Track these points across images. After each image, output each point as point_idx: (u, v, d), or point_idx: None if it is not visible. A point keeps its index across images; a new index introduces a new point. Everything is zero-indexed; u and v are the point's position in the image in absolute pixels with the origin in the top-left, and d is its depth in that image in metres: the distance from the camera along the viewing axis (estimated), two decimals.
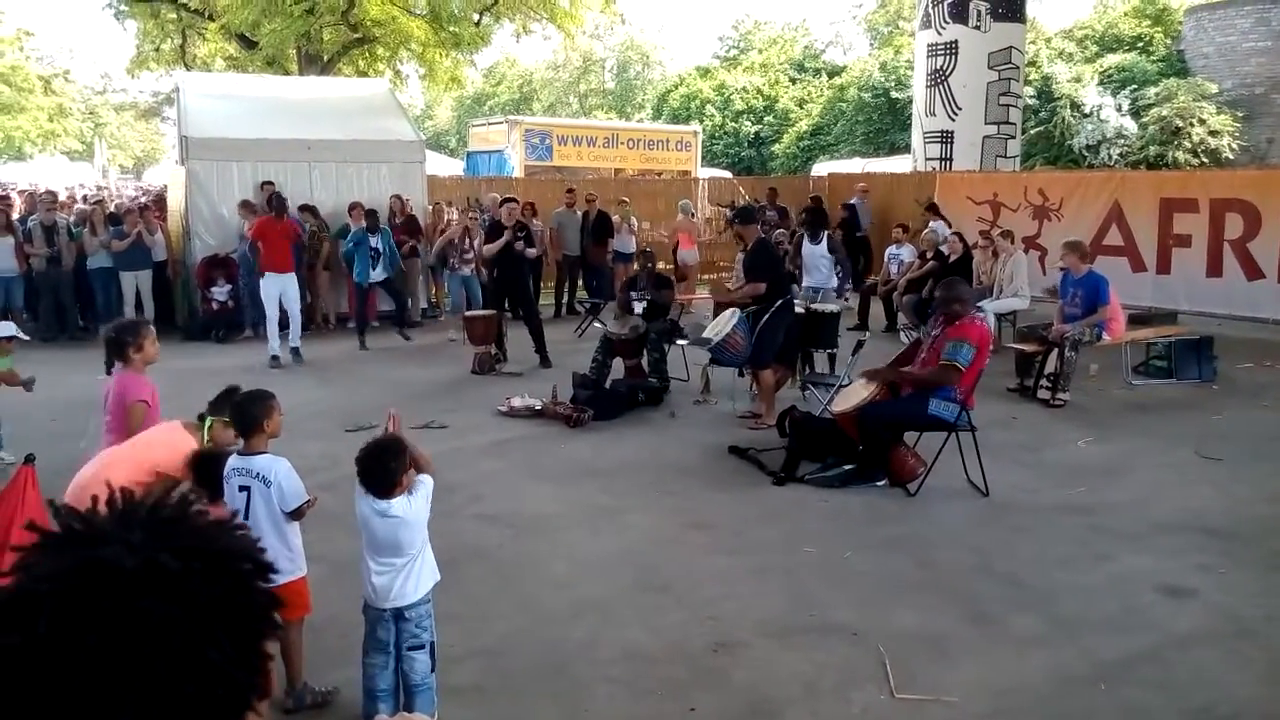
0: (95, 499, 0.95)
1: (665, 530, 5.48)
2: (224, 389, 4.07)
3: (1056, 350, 8.22)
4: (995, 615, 4.36)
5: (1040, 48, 27.92)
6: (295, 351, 10.20)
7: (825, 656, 4.01)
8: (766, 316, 7.41)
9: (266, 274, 10.16)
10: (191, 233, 11.98)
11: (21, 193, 16.88)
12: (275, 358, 10.01)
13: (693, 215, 14.82)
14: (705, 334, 7.78)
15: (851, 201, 14.82)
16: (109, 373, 4.26)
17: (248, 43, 21.56)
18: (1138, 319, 9.44)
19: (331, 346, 11.17)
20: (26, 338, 6.50)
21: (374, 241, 11.17)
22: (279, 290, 10.13)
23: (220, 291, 11.66)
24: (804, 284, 10.05)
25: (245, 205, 11.60)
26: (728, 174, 24.33)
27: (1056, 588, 4.64)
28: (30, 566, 0.87)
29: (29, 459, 3.57)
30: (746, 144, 35.73)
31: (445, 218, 12.97)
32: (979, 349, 5.92)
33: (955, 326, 5.99)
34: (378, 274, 11.24)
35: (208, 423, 3.98)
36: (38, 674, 0.82)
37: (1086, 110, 25.09)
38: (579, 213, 13.70)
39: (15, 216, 12.18)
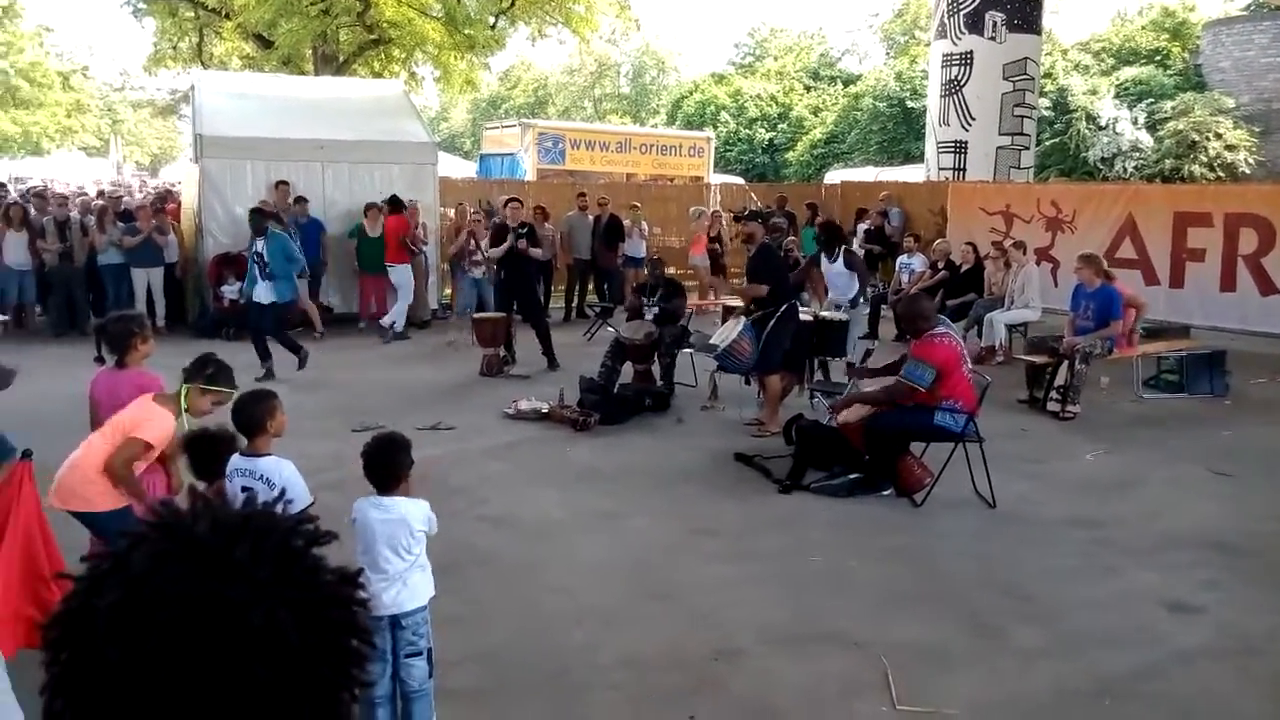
0: (222, 493, 0.92)
1: (669, 536, 5.46)
2: (198, 357, 4.05)
3: (1067, 362, 8.18)
4: (999, 627, 4.33)
5: (1056, 59, 27.84)
6: (399, 332, 11.66)
7: (827, 666, 3.98)
8: (772, 323, 7.39)
9: (391, 265, 11.79)
10: (204, 230, 12.03)
11: (33, 189, 16.99)
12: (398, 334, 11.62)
13: (711, 215, 14.81)
14: (712, 340, 7.76)
15: (883, 209, 14.79)
16: (102, 363, 4.21)
17: (264, 42, 21.67)
18: (1150, 332, 9.38)
19: (340, 345, 11.19)
20: (6, 317, 6.47)
21: (259, 246, 9.26)
22: (397, 280, 11.77)
23: (231, 289, 11.67)
24: (829, 297, 10.01)
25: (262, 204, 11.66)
26: (740, 180, 24.31)
27: (1062, 601, 4.60)
28: (148, 577, 0.82)
29: (25, 454, 3.56)
30: (760, 151, 35.72)
31: (469, 217, 12.97)
32: (941, 371, 5.81)
33: (919, 344, 5.95)
34: (263, 292, 9.19)
35: (184, 390, 3.95)
36: (126, 689, 0.80)
37: (1102, 123, 24.99)
38: (590, 217, 13.70)
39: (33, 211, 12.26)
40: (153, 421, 3.82)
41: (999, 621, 4.39)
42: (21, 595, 3.17)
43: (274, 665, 0.81)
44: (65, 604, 0.86)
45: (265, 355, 9.07)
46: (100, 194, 15.90)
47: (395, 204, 12.01)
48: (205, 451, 3.61)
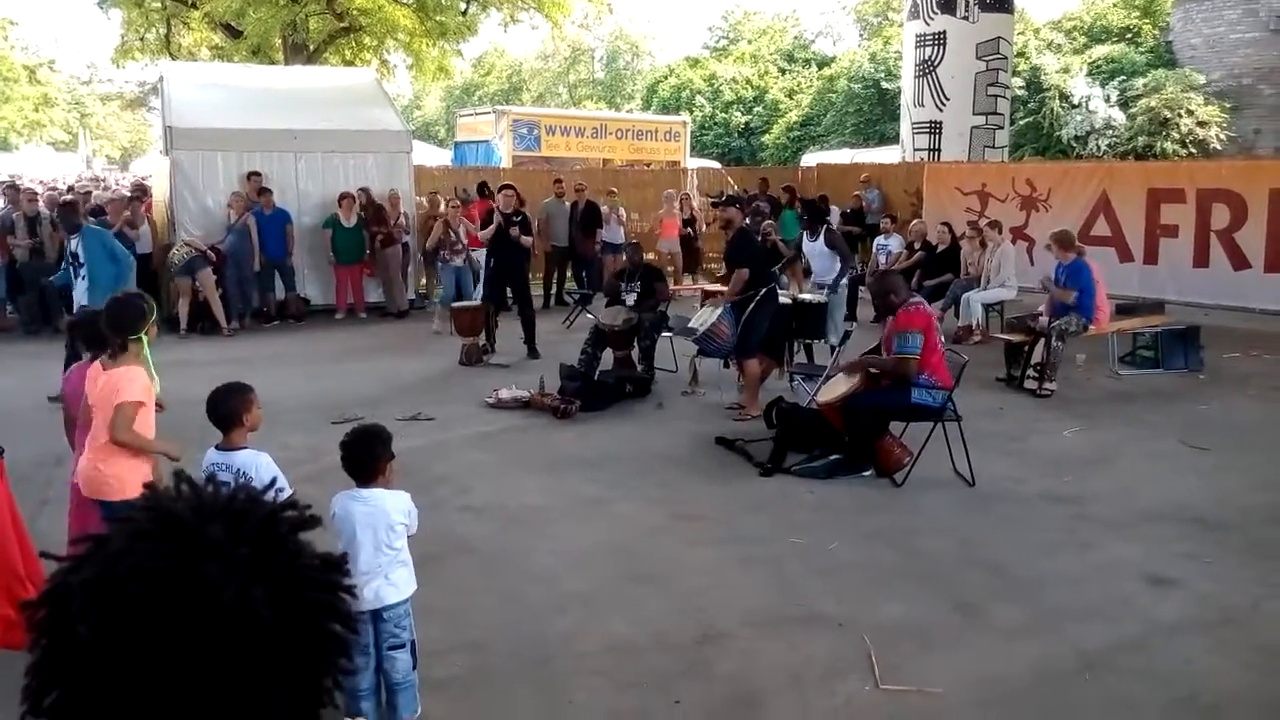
0: (214, 478, 0.92)
1: (651, 521, 5.46)
2: (112, 309, 3.93)
3: (1043, 340, 8.23)
4: (980, 605, 4.36)
5: (1029, 39, 27.92)
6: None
7: (810, 647, 4.00)
8: (751, 306, 7.39)
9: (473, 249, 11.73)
10: (176, 224, 11.89)
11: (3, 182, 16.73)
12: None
13: (684, 200, 14.80)
14: (691, 324, 7.76)
15: (857, 193, 14.83)
16: (77, 359, 4.14)
17: (233, 32, 21.40)
18: (1125, 309, 9.45)
19: (318, 336, 11.12)
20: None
21: (73, 245, 8.24)
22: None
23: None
24: (812, 278, 10.03)
25: (236, 195, 11.56)
26: (717, 164, 24.27)
27: (1042, 577, 4.64)
28: (124, 554, 0.82)
29: None
30: (736, 134, 35.68)
31: (442, 207, 12.88)
32: (924, 331, 5.95)
33: (897, 319, 6.03)
34: (80, 294, 7.96)
35: (141, 340, 3.88)
36: (100, 666, 0.79)
37: (1075, 101, 25.12)
38: (567, 203, 13.65)
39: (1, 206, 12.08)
40: (128, 381, 3.76)
41: (980, 599, 4.42)
42: None
43: (246, 644, 0.80)
44: (48, 583, 0.86)
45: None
46: (70, 189, 15.67)
47: (482, 191, 12.79)
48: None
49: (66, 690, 0.81)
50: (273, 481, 0.98)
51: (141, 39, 24.24)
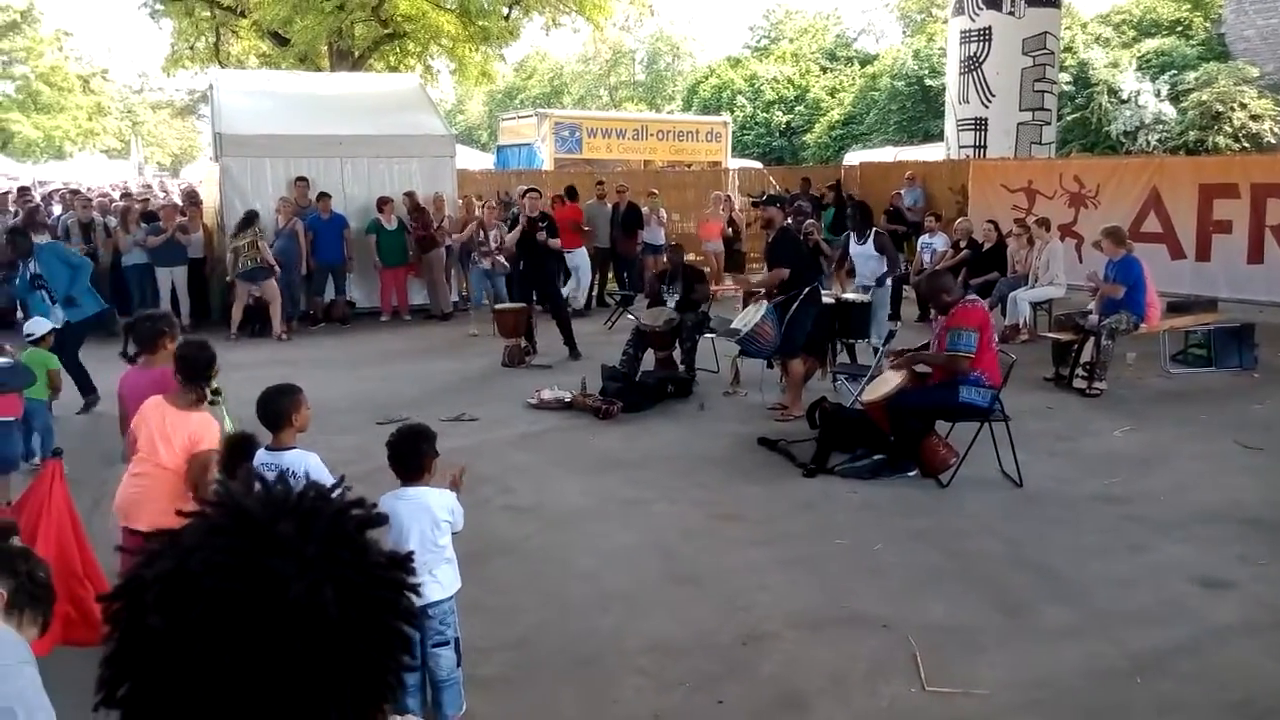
0: (283, 476, 0.94)
1: (694, 522, 5.46)
2: (187, 358, 3.99)
3: (1093, 339, 8.10)
4: (1028, 607, 4.31)
5: (1076, 33, 27.49)
6: (579, 309, 12.49)
7: (855, 648, 3.98)
8: (794, 307, 7.36)
9: (569, 250, 12.22)
10: (226, 228, 12.10)
11: (57, 191, 17.17)
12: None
13: (728, 201, 14.79)
14: (734, 325, 7.74)
15: (898, 191, 14.71)
16: (130, 360, 4.24)
17: (280, 40, 21.75)
18: (1176, 307, 9.28)
19: (363, 339, 11.26)
20: (41, 333, 6.51)
21: (32, 268, 7.76)
22: (574, 263, 12.71)
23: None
24: (856, 280, 9.97)
25: (284, 201, 11.76)
26: (758, 164, 24.19)
27: (1091, 579, 4.57)
28: (197, 549, 0.85)
29: (56, 453, 3.62)
30: (777, 134, 35.55)
31: (476, 211, 13.01)
32: (980, 329, 5.89)
33: (952, 316, 5.97)
34: (54, 317, 7.28)
35: (209, 390, 3.94)
36: (172, 659, 0.82)
37: (1124, 96, 24.68)
38: (609, 205, 13.69)
39: (57, 214, 12.40)
40: (208, 429, 3.84)
41: (1028, 601, 4.37)
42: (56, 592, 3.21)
43: (314, 640, 0.82)
44: (123, 576, 0.89)
45: (87, 389, 7.75)
46: (125, 195, 16.04)
47: (571, 194, 13.27)
48: (247, 453, 3.62)
49: (139, 682, 0.84)
50: (340, 479, 1.00)
51: (191, 48, 24.73)
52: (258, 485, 0.93)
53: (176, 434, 3.80)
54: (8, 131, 38.95)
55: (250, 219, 11.33)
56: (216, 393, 3.99)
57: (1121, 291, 8.14)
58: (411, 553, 1.02)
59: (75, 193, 12.86)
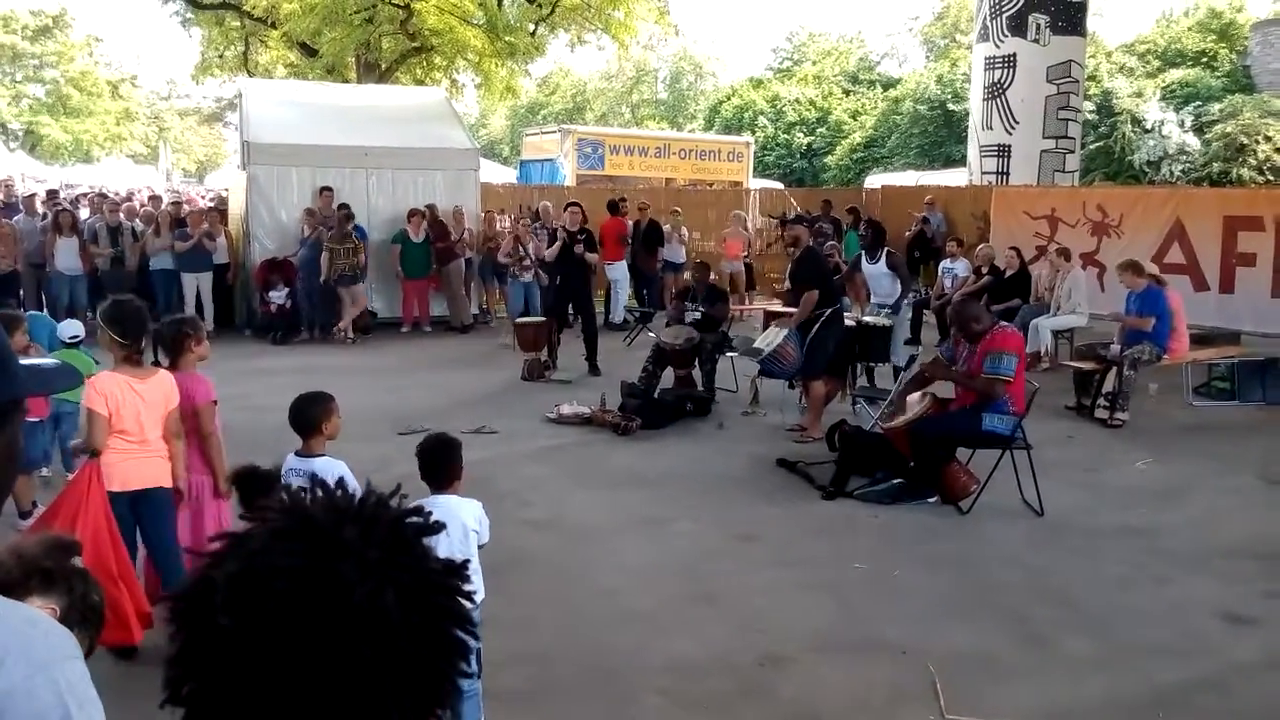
0: (342, 482, 0.96)
1: (712, 541, 5.46)
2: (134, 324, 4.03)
3: (1115, 369, 8.07)
4: (1049, 637, 4.28)
5: (1100, 62, 27.49)
6: (619, 322, 12.89)
7: (874, 673, 3.96)
8: (816, 327, 7.36)
9: (609, 263, 12.76)
10: (251, 236, 12.22)
11: (84, 195, 17.36)
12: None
13: (744, 224, 14.86)
14: (755, 345, 7.74)
15: (924, 214, 14.70)
16: (158, 366, 4.27)
17: (309, 51, 21.96)
18: (1200, 339, 9.22)
19: (384, 349, 11.31)
20: (80, 335, 6.54)
21: None
22: (612, 275, 13.01)
23: (278, 294, 11.85)
24: (872, 300, 9.96)
25: (308, 212, 11.86)
26: (779, 185, 24.24)
27: (1113, 610, 4.54)
28: (263, 552, 0.86)
29: (94, 454, 3.65)
30: (798, 155, 35.61)
31: (496, 226, 13.09)
32: (1019, 354, 5.89)
33: (989, 340, 5.92)
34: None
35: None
36: (238, 659, 0.83)
37: (1148, 126, 24.67)
38: (630, 222, 13.73)
39: (85, 217, 12.53)
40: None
41: (1048, 631, 4.34)
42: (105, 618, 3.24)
43: (378, 644, 0.84)
44: (190, 577, 0.90)
45: None
46: (152, 198, 16.20)
47: (613, 208, 13.42)
48: (253, 487, 3.63)
49: (204, 681, 0.85)
50: (398, 487, 1.01)
51: (221, 56, 25.02)
52: (319, 491, 0.94)
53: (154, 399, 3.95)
54: (37, 134, 39.43)
55: (343, 220, 11.72)
56: (141, 353, 4.04)
57: (1150, 324, 8.12)
58: (467, 561, 1.03)
59: (104, 197, 13.00)
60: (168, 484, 4.00)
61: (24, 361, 1.14)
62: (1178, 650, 4.16)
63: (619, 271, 13.25)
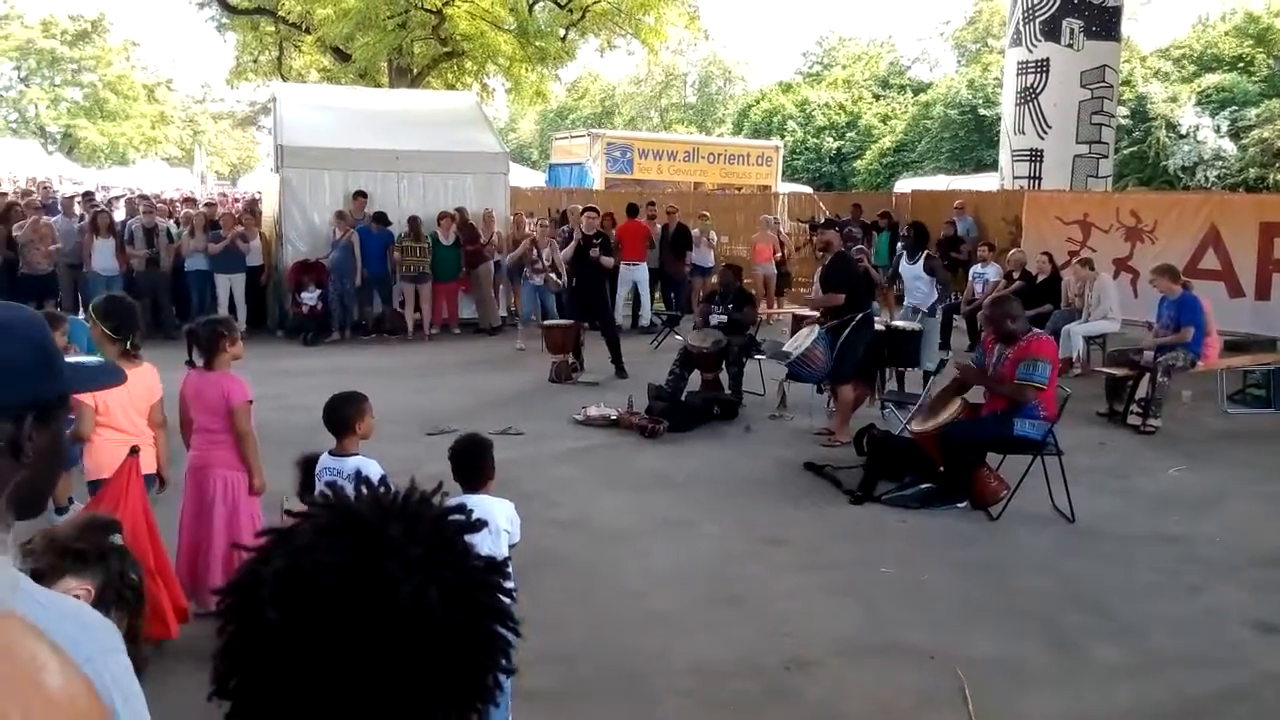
0: (385, 480, 0.98)
1: (738, 544, 5.45)
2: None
3: (1148, 375, 7.98)
4: (1079, 644, 4.24)
5: (1135, 66, 27.21)
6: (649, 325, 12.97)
7: (901, 679, 3.94)
8: (847, 332, 7.34)
9: (623, 263, 12.53)
10: (284, 238, 12.36)
11: (120, 196, 17.61)
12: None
13: (775, 225, 14.81)
14: (784, 348, 7.73)
15: (953, 219, 14.61)
16: (193, 366, 4.34)
17: (341, 55, 22.19)
18: (1235, 346, 9.10)
19: (412, 350, 11.39)
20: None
21: None
22: (633, 277, 12.87)
23: (310, 296, 11.96)
24: (905, 303, 9.93)
25: (340, 215, 11.98)
26: (808, 189, 24.17)
27: (1144, 619, 4.49)
28: (310, 548, 0.88)
29: (133, 451, 3.71)
30: (828, 160, 35.50)
31: (525, 229, 13.15)
32: (1053, 361, 5.83)
33: (1024, 345, 5.87)
34: None
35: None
36: (284, 652, 0.85)
37: (1183, 131, 24.38)
38: (659, 225, 13.75)
39: (121, 218, 12.72)
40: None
41: (1079, 638, 4.30)
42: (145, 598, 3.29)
43: (421, 640, 0.85)
44: (238, 572, 0.92)
45: None
46: (186, 200, 16.42)
47: (632, 210, 13.35)
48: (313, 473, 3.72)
49: (250, 674, 0.87)
50: (439, 485, 1.03)
51: (255, 61, 25.34)
52: (364, 489, 0.96)
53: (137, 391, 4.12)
54: (74, 137, 40.10)
55: (415, 224, 12.18)
56: (136, 347, 4.19)
57: (1190, 335, 8.03)
58: (508, 558, 1.04)
59: (144, 198, 13.20)
60: (152, 469, 4.15)
61: (68, 359, 1.17)
62: (1209, 660, 4.11)
63: (640, 273, 13.11)
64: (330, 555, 0.87)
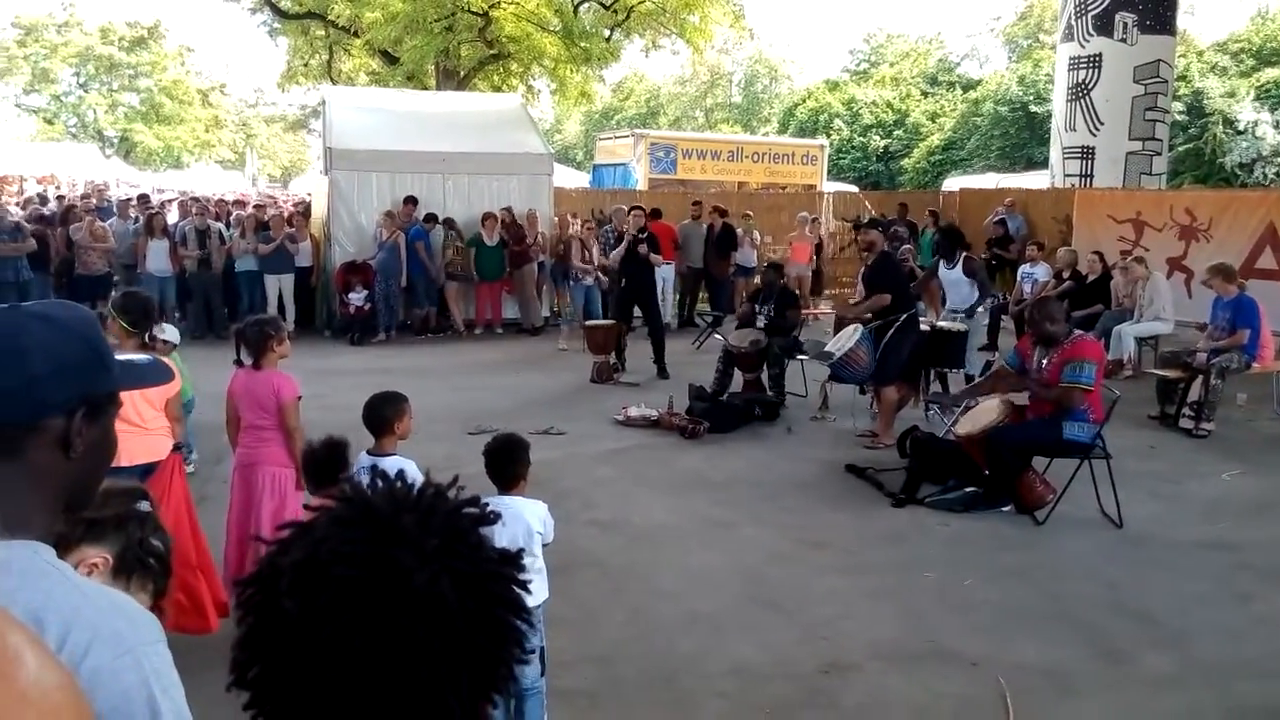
0: (403, 474, 1.00)
1: (778, 546, 5.42)
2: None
3: (1201, 377, 7.80)
4: (1126, 653, 4.16)
5: (1191, 61, 26.60)
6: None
7: (941, 685, 3.89)
8: (891, 332, 7.26)
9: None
10: (332, 239, 12.54)
11: (174, 200, 17.97)
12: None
13: (814, 223, 14.72)
14: (827, 348, 7.67)
15: (1002, 217, 14.39)
16: (241, 365, 4.41)
17: (390, 59, 22.44)
18: None
19: (456, 350, 11.49)
20: (176, 342, 6.77)
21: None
22: (663, 276, 12.37)
23: (357, 296, 12.12)
24: (947, 306, 9.79)
25: (388, 215, 12.13)
26: (854, 188, 23.98)
27: (1194, 627, 4.39)
28: (326, 540, 0.90)
29: (176, 448, 3.79)
30: (875, 158, 35.17)
31: (569, 229, 13.20)
32: (1099, 363, 5.74)
33: (1071, 348, 5.75)
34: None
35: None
36: (302, 642, 0.87)
37: (1241, 127, 23.78)
38: (704, 225, 13.72)
39: (174, 220, 13.00)
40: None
41: (1126, 646, 4.21)
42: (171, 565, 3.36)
43: (434, 629, 0.87)
44: (258, 564, 0.95)
45: None
46: (237, 202, 16.73)
47: (656, 215, 13.04)
48: (324, 461, 3.71)
49: (269, 664, 0.89)
50: (455, 479, 1.04)
51: (305, 65, 25.73)
52: (380, 482, 0.98)
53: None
54: (131, 141, 41.02)
55: (451, 225, 12.40)
56: (165, 343, 4.25)
57: (1246, 337, 7.83)
58: (521, 550, 1.05)
59: (195, 200, 13.49)
60: (163, 457, 4.20)
61: (119, 357, 1.20)
62: (1261, 670, 4.00)
63: (665, 272, 12.91)
64: (344, 546, 0.89)
